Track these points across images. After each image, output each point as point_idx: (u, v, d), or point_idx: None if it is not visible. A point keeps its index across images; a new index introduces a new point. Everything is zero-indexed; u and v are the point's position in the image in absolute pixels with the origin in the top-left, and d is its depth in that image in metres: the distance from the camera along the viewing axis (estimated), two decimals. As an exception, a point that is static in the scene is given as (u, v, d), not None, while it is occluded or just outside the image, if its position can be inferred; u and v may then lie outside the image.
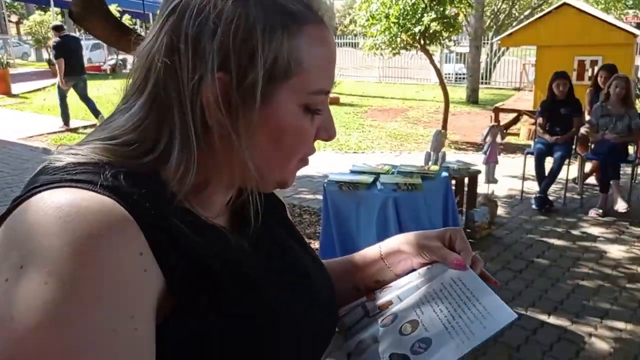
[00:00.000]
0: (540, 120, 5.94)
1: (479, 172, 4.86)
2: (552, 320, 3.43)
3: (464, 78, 16.61)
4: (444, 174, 3.66)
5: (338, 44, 24.13)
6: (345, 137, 9.52)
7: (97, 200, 0.52)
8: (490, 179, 5.20)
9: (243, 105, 0.59)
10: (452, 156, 7.56)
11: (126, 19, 17.74)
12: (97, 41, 19.44)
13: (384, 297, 0.81)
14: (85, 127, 9.63)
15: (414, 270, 0.82)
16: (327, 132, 0.68)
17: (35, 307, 0.46)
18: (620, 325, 3.36)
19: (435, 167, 3.69)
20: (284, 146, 0.64)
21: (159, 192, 0.58)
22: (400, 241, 0.83)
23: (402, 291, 0.80)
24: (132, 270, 0.51)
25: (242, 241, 0.65)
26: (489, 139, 5.16)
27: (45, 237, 0.49)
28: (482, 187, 5.19)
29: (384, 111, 12.66)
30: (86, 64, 24.85)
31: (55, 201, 0.52)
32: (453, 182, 4.63)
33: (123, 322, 0.49)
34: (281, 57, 0.59)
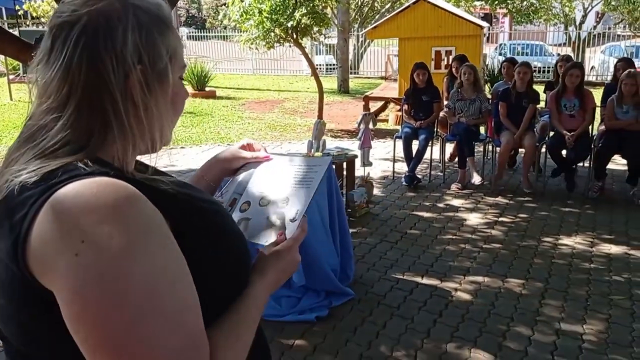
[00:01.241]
0: (405, 107, 6.57)
1: (355, 156, 5.32)
2: (425, 281, 3.95)
3: (334, 68, 17.32)
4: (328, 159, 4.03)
5: (208, 37, 23.91)
6: (226, 130, 9.67)
7: (99, 179, 0.71)
8: (366, 163, 5.68)
9: (159, 84, 0.82)
10: (330, 143, 8.04)
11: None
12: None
13: (225, 199, 1.13)
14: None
15: (228, 178, 1.18)
16: (186, 93, 0.94)
17: (110, 257, 0.67)
18: (479, 279, 3.96)
19: (319, 154, 4.04)
20: (178, 108, 0.90)
21: (111, 166, 0.78)
22: (215, 159, 1.18)
23: (235, 188, 1.13)
24: (154, 211, 0.73)
25: (172, 178, 0.86)
26: (362, 126, 5.64)
27: (85, 216, 0.68)
28: (359, 170, 5.67)
29: (260, 103, 12.93)
30: None
31: (75, 192, 0.69)
32: (333, 166, 5.04)
33: (168, 242, 0.73)
34: (172, 46, 0.84)
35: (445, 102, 6.58)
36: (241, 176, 1.14)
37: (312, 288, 3.65)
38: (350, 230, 4.79)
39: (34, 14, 14.46)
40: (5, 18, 17.39)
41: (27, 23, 15.47)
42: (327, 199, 3.89)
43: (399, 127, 7.06)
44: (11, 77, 12.76)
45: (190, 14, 44.30)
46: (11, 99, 12.28)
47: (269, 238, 0.99)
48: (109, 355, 0.67)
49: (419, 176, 6.32)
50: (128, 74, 0.78)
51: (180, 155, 7.75)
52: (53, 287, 0.69)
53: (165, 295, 0.70)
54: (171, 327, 0.70)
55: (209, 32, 25.47)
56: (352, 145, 6.84)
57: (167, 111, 0.85)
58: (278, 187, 1.07)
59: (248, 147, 1.18)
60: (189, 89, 13.54)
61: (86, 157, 0.76)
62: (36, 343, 0.76)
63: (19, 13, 14.42)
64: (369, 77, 18.57)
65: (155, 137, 0.84)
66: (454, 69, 6.98)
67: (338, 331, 3.30)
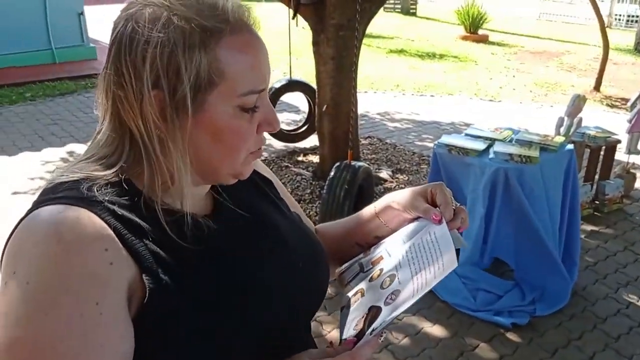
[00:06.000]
0: None
1: (618, 142, 4.47)
2: (666, 315, 3.22)
3: (636, 21, 14.79)
4: (569, 146, 3.42)
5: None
6: (486, 81, 9.07)
7: (69, 213, 0.66)
8: (632, 150, 4.76)
9: (177, 115, 0.69)
10: (601, 115, 6.96)
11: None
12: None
13: (376, 253, 0.91)
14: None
15: (406, 223, 0.91)
16: (270, 125, 0.77)
17: (18, 303, 0.62)
18: None
19: (560, 139, 3.45)
20: (226, 144, 0.73)
21: (127, 196, 0.70)
22: (390, 199, 0.92)
23: (391, 246, 0.89)
24: (96, 265, 0.64)
25: (210, 223, 0.76)
26: (637, 105, 4.69)
27: (27, 247, 0.64)
28: (622, 157, 4.79)
29: (536, 54, 11.77)
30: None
31: (38, 218, 0.66)
32: (588, 150, 4.34)
33: (88, 308, 0.63)
34: (203, 70, 0.68)
35: None
36: (405, 232, 0.90)
37: (519, 286, 3.26)
38: (590, 228, 4.16)
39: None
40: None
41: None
42: (561, 193, 3.36)
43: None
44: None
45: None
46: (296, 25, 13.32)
47: (347, 334, 0.77)
48: None
49: None
50: (143, 96, 0.68)
51: (427, 104, 7.55)
52: None
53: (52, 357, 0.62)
54: None
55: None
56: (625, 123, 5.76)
57: (183, 149, 0.71)
58: (405, 274, 0.81)
59: (431, 193, 0.87)
60: (461, 31, 13.01)
61: (111, 176, 0.71)
62: None
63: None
64: (681, 35, 15.41)
65: (173, 173, 0.72)
66: None
67: (534, 347, 2.91)
